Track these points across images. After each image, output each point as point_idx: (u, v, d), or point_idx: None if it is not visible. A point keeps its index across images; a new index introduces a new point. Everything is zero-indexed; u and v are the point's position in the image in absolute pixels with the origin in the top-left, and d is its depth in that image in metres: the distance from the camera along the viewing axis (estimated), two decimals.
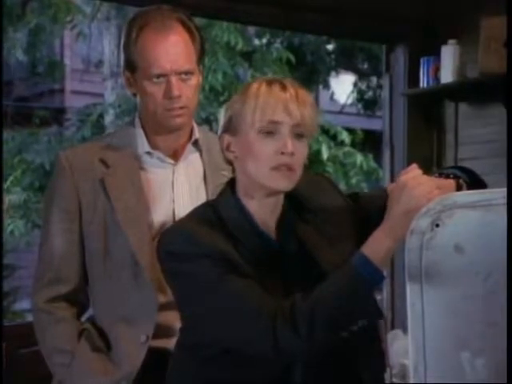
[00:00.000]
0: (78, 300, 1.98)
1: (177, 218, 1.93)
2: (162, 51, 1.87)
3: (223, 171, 2.00)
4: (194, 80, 1.91)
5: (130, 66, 1.92)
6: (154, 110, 1.90)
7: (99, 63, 9.03)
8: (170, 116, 1.90)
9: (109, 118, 7.95)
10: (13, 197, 7.44)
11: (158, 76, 1.87)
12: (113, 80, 8.23)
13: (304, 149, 1.57)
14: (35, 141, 8.05)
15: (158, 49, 1.87)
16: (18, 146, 7.89)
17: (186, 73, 1.89)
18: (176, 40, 1.89)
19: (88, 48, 9.04)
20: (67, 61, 10.82)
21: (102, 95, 8.63)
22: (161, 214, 1.94)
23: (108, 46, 8.34)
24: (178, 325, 1.90)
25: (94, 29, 8.51)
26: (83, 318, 2.02)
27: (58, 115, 10.57)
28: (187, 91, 1.89)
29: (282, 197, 1.62)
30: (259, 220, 1.59)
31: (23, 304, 7.96)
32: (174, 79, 1.87)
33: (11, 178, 7.54)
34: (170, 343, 1.89)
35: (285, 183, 1.56)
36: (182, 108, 1.90)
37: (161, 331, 1.90)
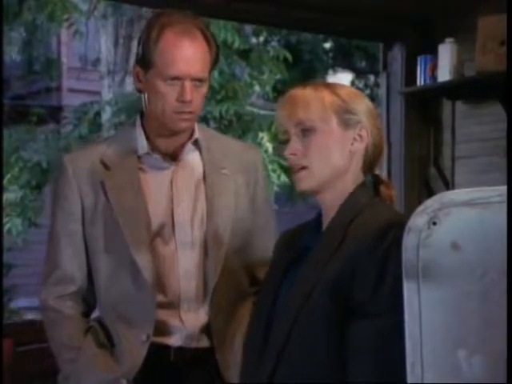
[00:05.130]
0: (84, 299, 2.01)
1: (175, 219, 1.95)
2: (182, 55, 1.89)
3: (223, 169, 2.01)
4: (204, 88, 1.94)
5: (145, 62, 1.93)
6: (163, 110, 1.91)
7: (96, 61, 9.01)
8: (177, 119, 1.91)
9: (106, 116, 7.92)
10: (10, 195, 7.42)
11: (174, 78, 1.89)
12: (110, 78, 8.19)
13: None
14: (32, 139, 8.03)
15: (180, 52, 1.89)
16: (15, 143, 7.87)
17: (200, 80, 1.91)
18: (197, 46, 1.91)
19: (85, 46, 9.02)
20: (64, 59, 10.81)
21: (98, 93, 8.60)
22: (159, 215, 1.95)
23: (105, 44, 8.29)
24: (176, 323, 1.93)
25: (91, 27, 8.49)
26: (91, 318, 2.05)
27: (54, 113, 10.54)
28: (197, 98, 1.92)
29: None
30: None
31: (19, 302, 7.95)
32: (188, 84, 1.89)
33: (8, 176, 7.51)
34: (169, 340, 1.94)
35: None
36: (190, 113, 1.92)
37: (159, 330, 1.92)
